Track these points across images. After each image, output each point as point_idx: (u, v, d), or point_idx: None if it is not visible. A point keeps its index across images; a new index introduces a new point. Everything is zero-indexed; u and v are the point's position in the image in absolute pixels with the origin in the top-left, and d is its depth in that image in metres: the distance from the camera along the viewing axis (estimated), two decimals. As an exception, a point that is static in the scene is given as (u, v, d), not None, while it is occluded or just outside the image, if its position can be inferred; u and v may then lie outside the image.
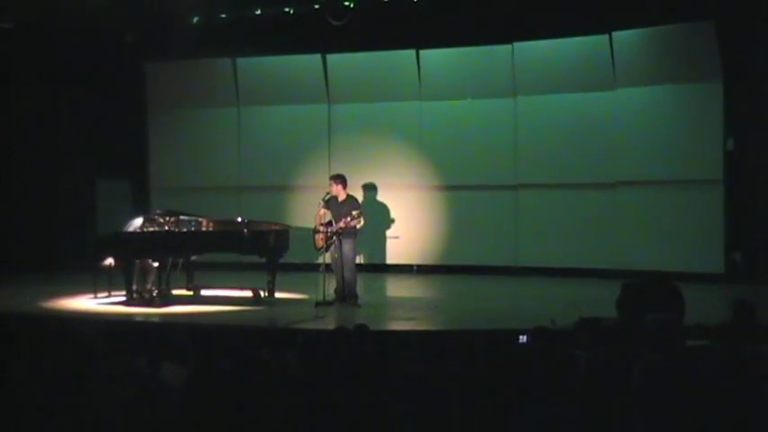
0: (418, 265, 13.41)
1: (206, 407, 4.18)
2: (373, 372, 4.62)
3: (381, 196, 12.64)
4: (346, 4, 12.33)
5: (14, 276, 12.00)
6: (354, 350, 5.01)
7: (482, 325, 8.20)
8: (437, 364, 4.81)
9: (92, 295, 10.18)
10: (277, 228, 10.20)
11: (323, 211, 9.73)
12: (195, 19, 13.12)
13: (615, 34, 12.00)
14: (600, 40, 12.15)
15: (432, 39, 12.86)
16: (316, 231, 9.70)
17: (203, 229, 10.12)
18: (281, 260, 10.03)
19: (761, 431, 4.23)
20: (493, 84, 12.98)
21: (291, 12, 12.85)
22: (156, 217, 10.20)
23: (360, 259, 11.41)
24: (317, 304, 9.22)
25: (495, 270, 12.82)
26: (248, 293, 10.06)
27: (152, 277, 10.03)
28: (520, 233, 12.92)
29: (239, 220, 10.32)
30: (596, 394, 4.35)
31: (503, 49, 12.79)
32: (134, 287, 9.91)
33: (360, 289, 9.82)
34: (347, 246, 9.59)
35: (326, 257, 9.68)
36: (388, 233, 12.72)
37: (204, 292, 10.48)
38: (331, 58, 13.51)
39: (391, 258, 13.24)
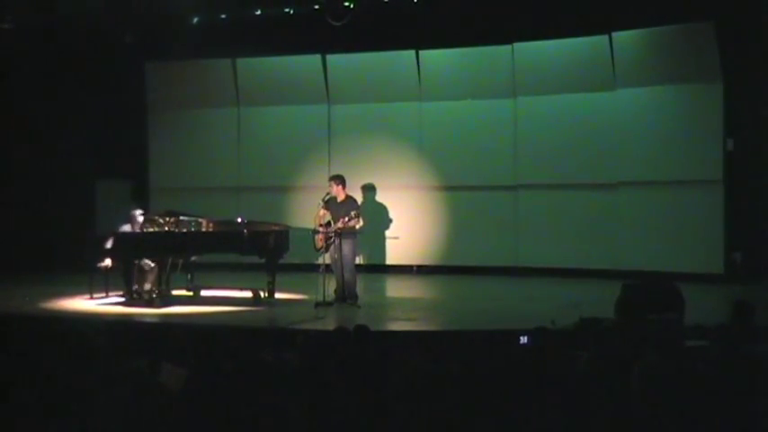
0: (418, 266, 13.41)
1: (206, 407, 4.18)
2: (373, 372, 4.62)
3: (381, 197, 12.63)
4: (346, 4, 12.33)
5: (13, 277, 11.99)
6: (354, 351, 5.01)
7: (482, 325, 8.20)
8: (437, 364, 4.81)
9: (88, 296, 10.18)
10: (277, 228, 10.19)
11: (322, 211, 9.73)
12: (195, 19, 13.12)
13: (615, 35, 12.00)
14: (600, 40, 12.15)
15: (432, 39, 12.86)
16: (315, 232, 9.70)
17: (203, 229, 10.12)
18: (281, 261, 10.03)
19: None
20: (493, 84, 12.98)
21: (291, 12, 12.85)
22: (156, 217, 10.20)
23: (359, 260, 11.41)
24: (317, 305, 9.22)
25: (494, 271, 12.82)
26: (248, 294, 10.06)
27: (152, 278, 10.03)
28: (520, 234, 12.92)
29: (239, 220, 10.32)
30: (596, 395, 4.35)
31: (503, 50, 12.79)
32: (134, 287, 9.92)
33: (359, 289, 9.82)
34: (347, 246, 9.59)
35: (326, 258, 9.68)
36: (388, 234, 12.71)
37: (204, 293, 10.49)
38: (331, 58, 13.51)
39: (391, 259, 13.24)
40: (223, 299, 10.32)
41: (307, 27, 12.82)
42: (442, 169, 13.26)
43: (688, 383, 4.28)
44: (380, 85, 13.39)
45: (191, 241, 10.02)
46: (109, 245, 10.20)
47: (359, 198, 11.17)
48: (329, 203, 9.74)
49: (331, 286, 9.60)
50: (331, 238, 9.56)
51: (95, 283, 10.24)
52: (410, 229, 13.07)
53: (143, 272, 10.05)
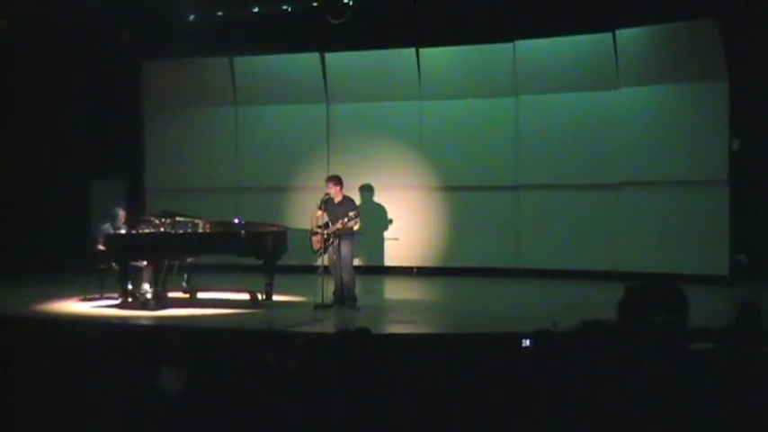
0: (418, 268, 13.40)
1: (204, 411, 4.18)
2: (374, 376, 4.61)
3: (380, 197, 12.63)
4: (345, 1, 12.31)
5: (5, 278, 11.97)
6: (355, 354, 5.00)
7: (483, 328, 8.19)
8: (438, 368, 4.80)
9: (81, 297, 10.18)
10: (275, 229, 10.18)
11: (320, 212, 9.73)
12: (192, 17, 13.12)
13: (619, 32, 12.00)
14: (603, 38, 12.14)
15: (432, 37, 12.86)
16: (313, 233, 9.71)
17: (200, 230, 10.11)
18: (279, 262, 10.02)
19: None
20: (494, 83, 12.98)
21: (289, 10, 12.85)
22: (152, 218, 10.20)
23: (358, 261, 11.42)
24: (316, 307, 9.21)
25: (495, 272, 12.81)
26: (246, 296, 10.06)
27: (148, 279, 10.02)
28: (521, 234, 12.91)
29: (236, 221, 10.31)
30: (599, 398, 4.35)
31: (504, 48, 12.78)
32: (129, 289, 9.91)
33: (358, 291, 9.82)
34: (345, 248, 9.60)
35: (325, 260, 9.68)
36: (387, 235, 12.71)
37: (201, 295, 10.48)
38: (330, 56, 13.50)
39: (390, 260, 13.24)
40: (220, 301, 10.32)
41: (305, 25, 12.82)
42: (442, 169, 13.26)
43: (692, 387, 4.28)
44: (380, 84, 13.38)
45: (187, 242, 10.01)
46: (101, 246, 10.21)
47: (357, 198, 11.17)
48: (327, 204, 9.74)
49: (330, 288, 9.61)
50: (329, 239, 9.56)
51: (90, 284, 10.23)
52: (410, 229, 13.07)
53: (139, 273, 10.04)
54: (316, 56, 13.52)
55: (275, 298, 9.89)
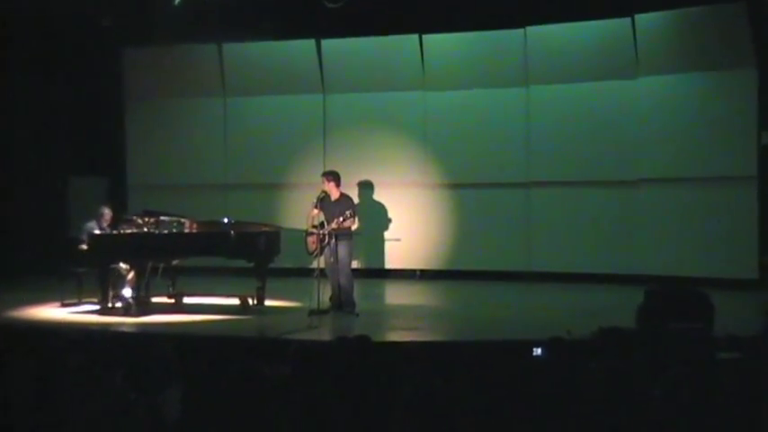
0: (421, 271, 13.42)
1: (196, 424, 4.19)
2: (374, 387, 4.62)
3: (381, 195, 12.65)
4: (343, -16, 12.34)
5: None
6: (354, 363, 5.01)
7: (491, 336, 8.21)
8: (442, 378, 4.81)
9: (59, 303, 10.19)
10: (267, 229, 10.20)
11: (315, 211, 9.74)
12: (177, 0, 13.12)
13: (638, 17, 12.02)
14: (621, 23, 12.17)
15: (436, 23, 12.88)
16: (308, 233, 9.71)
17: (186, 230, 10.11)
18: (272, 265, 10.04)
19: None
20: (503, 72, 13.00)
21: (283, -7, 12.88)
22: (134, 217, 10.21)
23: (357, 264, 11.43)
24: (311, 313, 9.22)
25: (505, 276, 12.83)
26: (235, 301, 10.07)
27: (130, 283, 10.02)
28: (532, 235, 12.93)
29: (225, 220, 10.32)
30: (615, 413, 4.35)
31: (514, 34, 12.81)
32: (110, 294, 9.92)
33: (357, 296, 9.83)
34: (343, 249, 9.60)
35: (321, 262, 9.69)
36: (388, 235, 12.74)
37: (187, 300, 10.49)
38: (326, 43, 13.53)
39: (391, 263, 13.26)
40: (208, 307, 10.32)
41: (300, 9, 12.84)
42: (447, 165, 13.28)
43: (717, 400, 4.28)
44: (380, 73, 13.41)
45: (172, 243, 10.01)
46: (84, 246, 10.22)
47: (355, 196, 11.18)
48: (323, 203, 9.74)
49: (326, 293, 9.61)
50: (325, 240, 9.57)
51: (67, 288, 10.24)
52: (412, 230, 13.10)
53: (120, 277, 10.05)
54: (311, 42, 13.54)
55: (267, 303, 9.90)
